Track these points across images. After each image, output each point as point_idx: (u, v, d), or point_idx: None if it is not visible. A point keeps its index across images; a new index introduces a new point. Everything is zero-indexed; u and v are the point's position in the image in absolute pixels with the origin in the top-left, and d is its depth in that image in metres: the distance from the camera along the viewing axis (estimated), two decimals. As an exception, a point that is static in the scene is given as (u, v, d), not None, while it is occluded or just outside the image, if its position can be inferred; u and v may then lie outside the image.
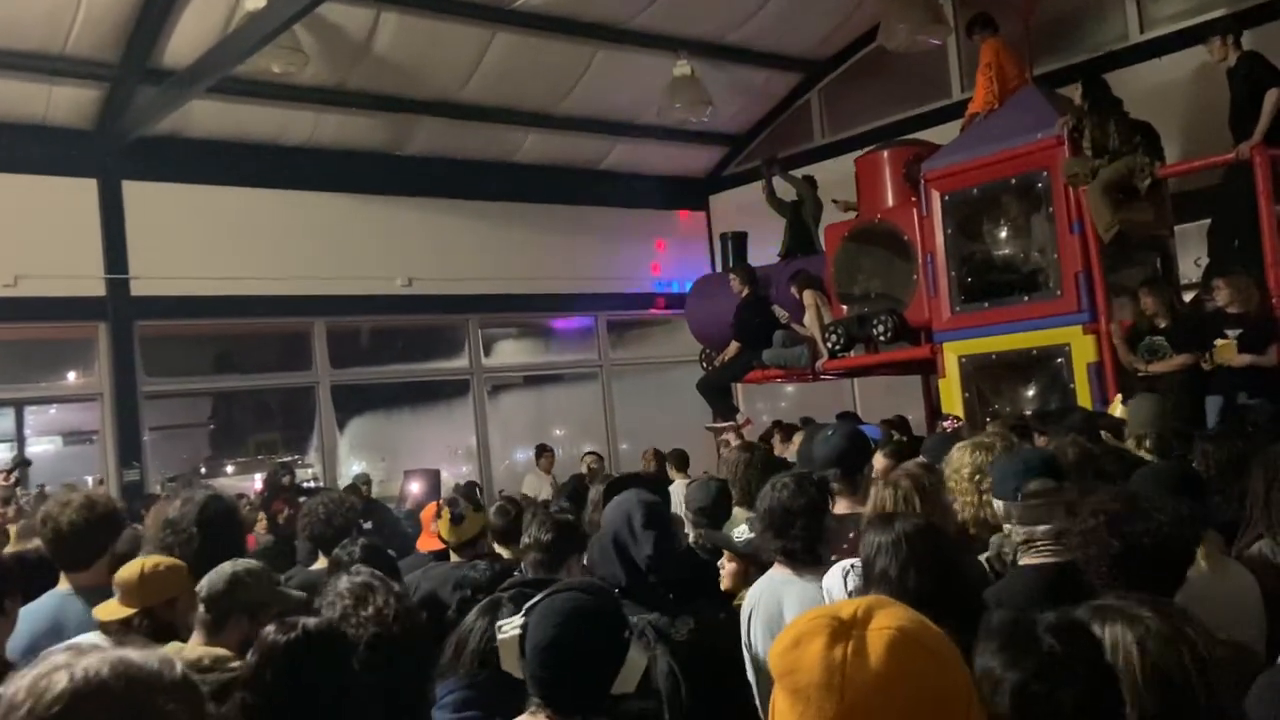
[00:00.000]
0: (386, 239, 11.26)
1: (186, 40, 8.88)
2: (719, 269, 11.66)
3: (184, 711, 1.19)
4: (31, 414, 12.40)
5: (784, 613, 2.91)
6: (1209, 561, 2.72)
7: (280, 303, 10.66)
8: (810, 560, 3.03)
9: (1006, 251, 8.19)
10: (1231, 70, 7.28)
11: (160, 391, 10.63)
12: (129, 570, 3.06)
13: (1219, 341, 6.33)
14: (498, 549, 4.39)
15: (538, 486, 10.14)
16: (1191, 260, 8.38)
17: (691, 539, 4.03)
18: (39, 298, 9.33)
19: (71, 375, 10.73)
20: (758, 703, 2.91)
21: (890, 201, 8.90)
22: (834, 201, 9.75)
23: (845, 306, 8.99)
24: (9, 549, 4.49)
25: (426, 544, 4.62)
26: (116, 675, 1.16)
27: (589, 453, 10.51)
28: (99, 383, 9.99)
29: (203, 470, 12.93)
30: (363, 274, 11.03)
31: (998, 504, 2.82)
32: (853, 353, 8.90)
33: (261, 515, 8.22)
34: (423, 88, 10.64)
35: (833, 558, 2.97)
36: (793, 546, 3.04)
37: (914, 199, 8.42)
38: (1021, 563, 2.76)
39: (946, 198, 8.11)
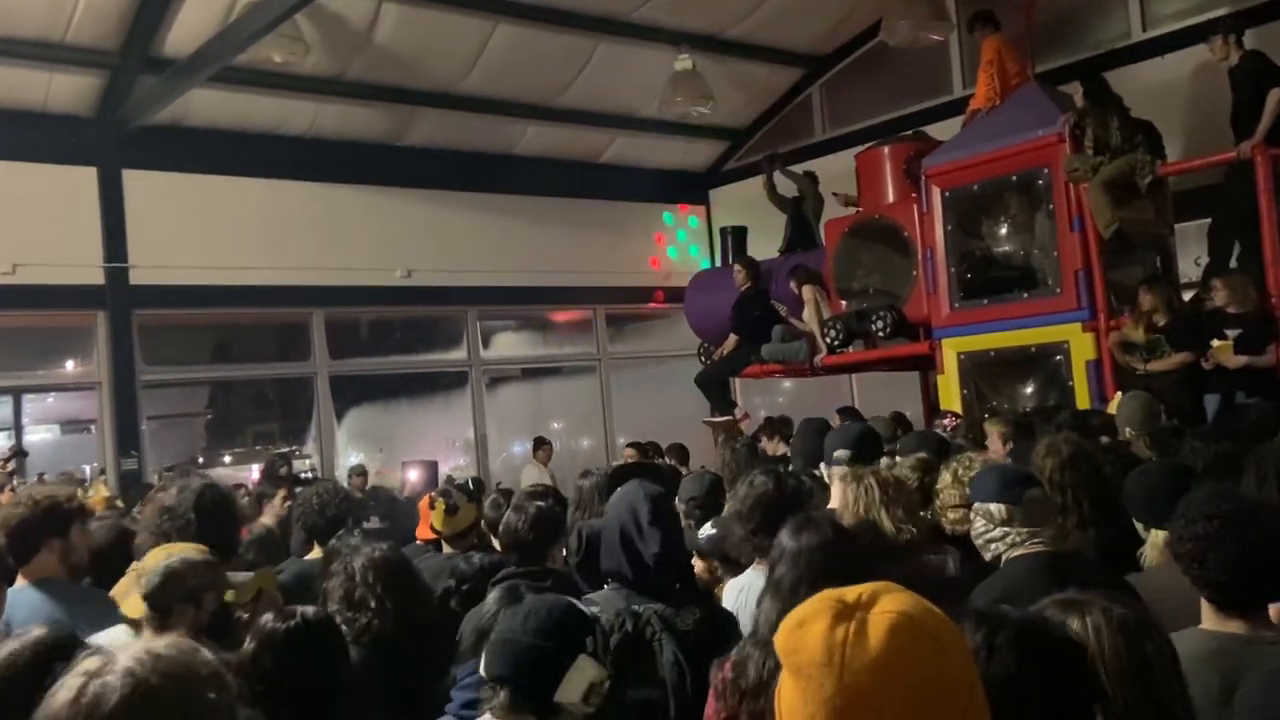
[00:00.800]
0: (386, 230, 11.25)
1: (187, 29, 8.86)
2: (719, 263, 11.66)
3: (225, 698, 1.20)
4: (29, 402, 12.40)
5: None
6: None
7: (279, 293, 10.65)
8: None
9: (1006, 248, 8.20)
10: (1234, 69, 7.28)
11: (158, 381, 10.62)
12: (151, 564, 3.07)
13: (1216, 341, 6.33)
14: (494, 541, 4.41)
15: (536, 479, 10.14)
16: (1191, 259, 8.39)
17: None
18: (37, 286, 9.32)
19: (69, 364, 10.72)
20: None
21: (891, 197, 8.90)
22: (834, 195, 9.75)
23: (844, 302, 9.00)
24: None
25: (424, 534, 4.63)
26: (163, 675, 1.16)
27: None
28: (97, 371, 9.98)
29: (200, 460, 12.93)
30: (362, 265, 11.01)
31: (993, 507, 2.88)
32: (851, 348, 8.90)
33: (261, 505, 8.19)
34: (423, 79, 10.62)
35: None
36: (766, 544, 3.05)
37: (914, 195, 8.41)
38: (1013, 555, 2.84)
39: (947, 194, 8.11)
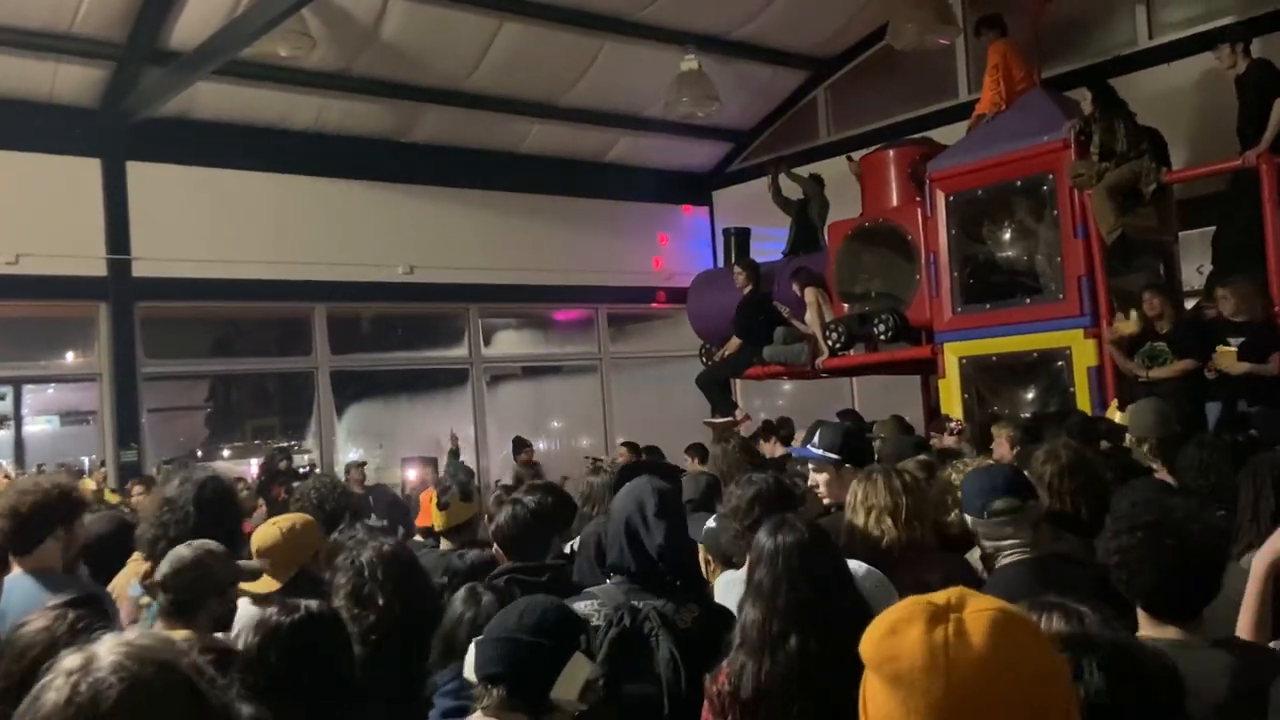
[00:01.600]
0: (389, 226, 11.25)
1: (194, 22, 8.86)
2: (721, 265, 11.65)
3: (212, 685, 1.18)
4: (29, 393, 12.42)
5: None
6: None
7: (281, 287, 10.65)
8: None
9: (1010, 253, 8.19)
10: (1240, 77, 7.27)
11: (160, 373, 10.63)
12: (267, 539, 3.09)
13: (1219, 349, 6.33)
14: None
15: (519, 482, 10.05)
16: (1194, 267, 8.38)
17: None
18: (40, 276, 9.32)
19: (70, 355, 10.72)
20: None
21: (895, 201, 8.89)
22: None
23: (846, 305, 8.99)
24: None
25: (424, 521, 4.66)
26: (155, 665, 1.14)
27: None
28: (98, 363, 9.98)
29: (198, 453, 12.94)
30: (364, 260, 11.01)
31: (966, 518, 2.97)
32: (853, 351, 8.90)
33: (260, 501, 8.22)
34: (429, 75, 10.62)
35: None
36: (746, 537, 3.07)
37: (918, 199, 8.41)
38: (1004, 563, 2.91)
39: (951, 198, 8.11)
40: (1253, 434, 4.92)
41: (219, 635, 2.73)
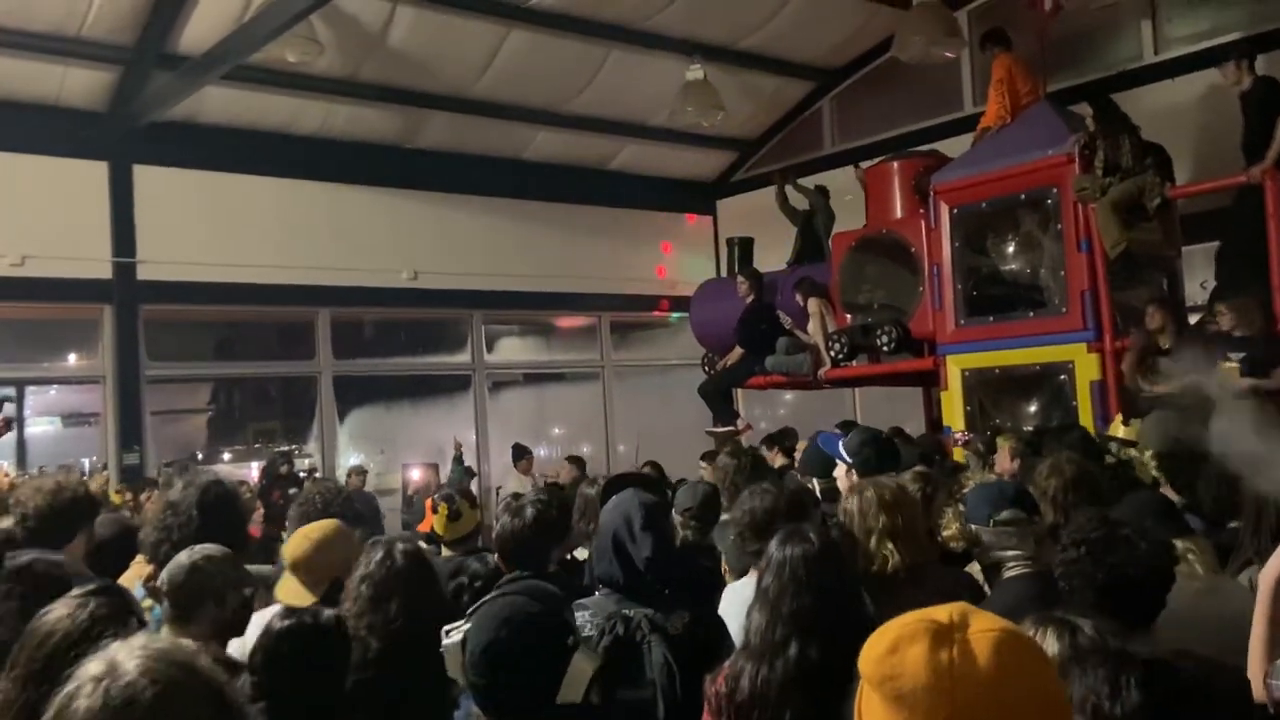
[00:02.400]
0: (394, 232, 11.28)
1: (202, 26, 8.89)
2: (725, 274, 11.66)
3: (230, 686, 1.20)
4: (31, 395, 12.42)
5: None
6: (1202, 580, 2.82)
7: (285, 291, 10.67)
8: None
9: (1013, 266, 8.20)
10: (1245, 94, 7.29)
11: (163, 376, 10.64)
12: (298, 550, 3.06)
13: (1220, 365, 6.32)
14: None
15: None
16: (1197, 282, 8.39)
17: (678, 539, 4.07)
18: (45, 278, 9.34)
19: (74, 357, 10.74)
20: None
21: (899, 212, 8.91)
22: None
23: (849, 315, 9.00)
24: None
25: (426, 527, 4.66)
26: (180, 668, 1.16)
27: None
28: (102, 365, 10.00)
29: (199, 456, 12.95)
30: (368, 266, 11.04)
31: (970, 527, 3.00)
32: (855, 362, 8.90)
33: (259, 504, 8.21)
34: (435, 82, 10.65)
35: None
36: (749, 549, 3.09)
37: (923, 211, 8.43)
38: (1008, 576, 2.93)
39: (955, 210, 8.12)
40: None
41: (233, 641, 2.73)
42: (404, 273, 11.34)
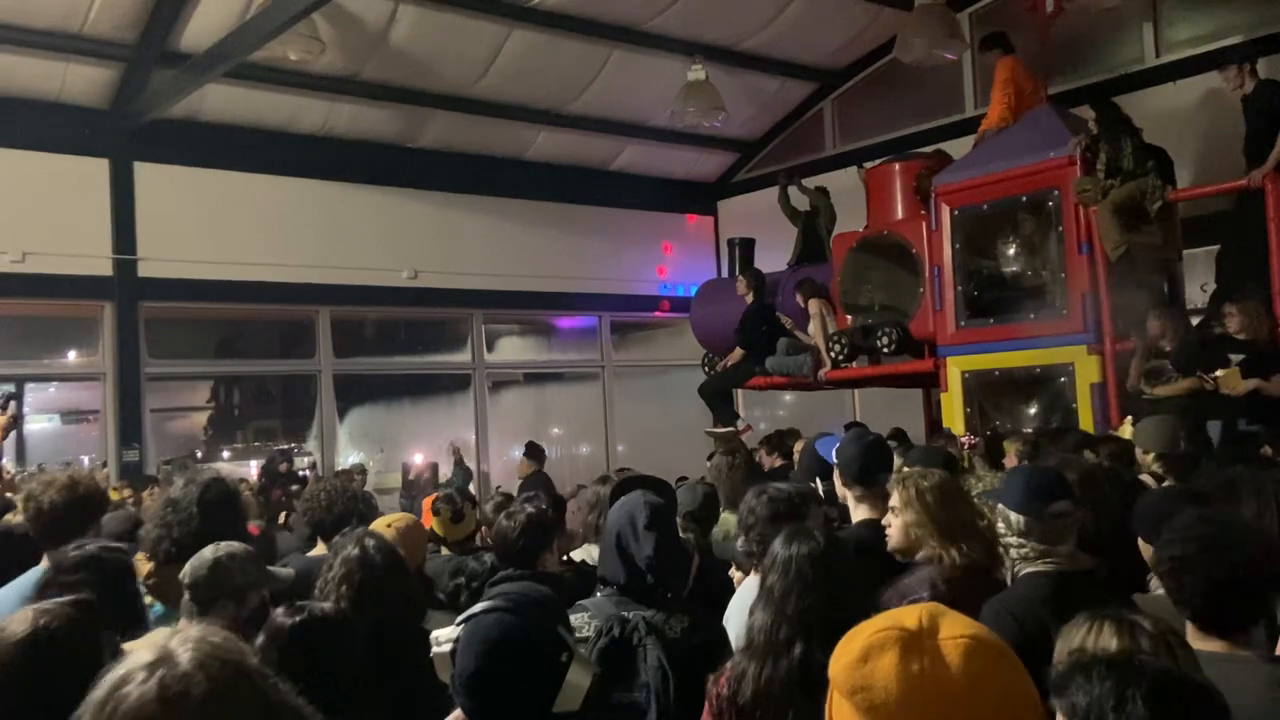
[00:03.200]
0: (394, 231, 11.28)
1: (204, 24, 8.89)
2: (725, 274, 11.66)
3: (272, 679, 1.20)
4: (30, 392, 12.41)
5: None
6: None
7: (286, 290, 10.67)
8: None
9: (1014, 268, 8.20)
10: (1248, 97, 7.29)
11: (163, 373, 10.64)
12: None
13: (1220, 371, 6.32)
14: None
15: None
16: (1198, 285, 8.39)
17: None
18: (46, 275, 9.34)
19: (74, 354, 10.74)
20: None
21: (900, 213, 8.91)
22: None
23: (850, 316, 9.00)
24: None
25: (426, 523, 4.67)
26: (226, 662, 1.16)
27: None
28: (102, 362, 10.00)
29: (198, 454, 12.94)
30: (369, 265, 11.04)
31: (1013, 516, 2.80)
32: (855, 363, 8.90)
33: (261, 500, 8.21)
34: (437, 81, 10.65)
35: None
36: (752, 549, 3.08)
37: (924, 212, 8.43)
38: (1027, 571, 2.81)
39: (956, 212, 8.12)
40: (1264, 452, 4.92)
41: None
42: (405, 272, 11.34)
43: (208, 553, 2.81)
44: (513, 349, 13.84)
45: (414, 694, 2.56)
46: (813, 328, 9.06)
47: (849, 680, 1.14)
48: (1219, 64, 7.66)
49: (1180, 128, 8.50)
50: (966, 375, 7.97)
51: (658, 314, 13.38)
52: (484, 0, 9.84)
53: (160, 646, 1.16)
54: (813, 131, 12.83)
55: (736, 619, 3.09)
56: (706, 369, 10.20)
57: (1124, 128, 7.36)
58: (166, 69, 9.26)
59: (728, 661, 2.43)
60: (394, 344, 12.79)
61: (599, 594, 2.86)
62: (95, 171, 9.74)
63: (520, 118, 11.54)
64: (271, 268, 10.43)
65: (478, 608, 2.01)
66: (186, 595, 2.77)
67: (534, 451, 9.69)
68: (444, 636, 2.03)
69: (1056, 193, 7.57)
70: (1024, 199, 7.85)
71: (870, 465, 3.78)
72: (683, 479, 5.62)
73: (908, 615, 1.16)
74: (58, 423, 13.24)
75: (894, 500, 3.23)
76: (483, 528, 4.91)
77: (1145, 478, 4.54)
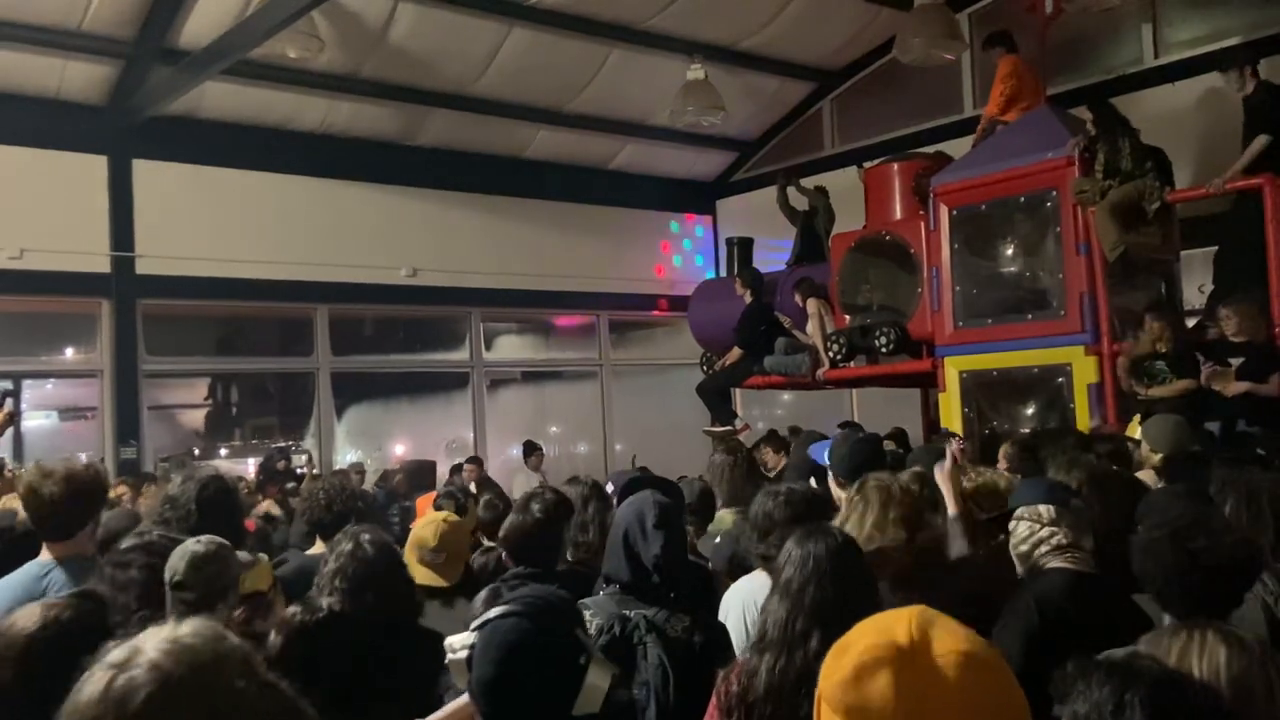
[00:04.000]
0: (393, 229, 11.27)
1: (203, 21, 8.89)
2: (724, 273, 11.68)
3: (253, 684, 1.18)
4: (27, 388, 12.40)
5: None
6: None
7: (284, 287, 10.66)
8: None
9: (1012, 269, 8.20)
10: (1248, 99, 7.30)
11: (161, 371, 10.63)
12: (429, 535, 3.20)
13: (1218, 369, 6.34)
14: (485, 542, 4.43)
15: (528, 486, 10.10)
16: (1195, 286, 8.40)
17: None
18: (43, 271, 9.33)
19: (71, 351, 10.73)
20: None
21: (898, 213, 8.92)
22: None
23: (848, 316, 9.00)
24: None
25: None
26: (189, 667, 1.13)
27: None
28: (100, 359, 9.99)
29: (196, 452, 12.93)
30: (368, 263, 11.04)
31: (1042, 508, 2.88)
32: (854, 363, 8.91)
33: (260, 497, 8.21)
34: (436, 79, 10.65)
35: None
36: (771, 553, 3.07)
37: (922, 212, 8.44)
38: (1052, 565, 2.85)
39: (955, 212, 8.13)
40: (1260, 454, 4.93)
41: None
42: (403, 270, 11.34)
43: (199, 547, 2.70)
44: (511, 347, 13.84)
45: (410, 688, 2.56)
46: (811, 327, 9.07)
47: (843, 699, 1.13)
48: (1217, 65, 7.67)
49: (1178, 128, 8.51)
50: (964, 375, 7.97)
51: (655, 313, 13.38)
52: (483, -1, 9.86)
53: (134, 644, 1.15)
54: (812, 131, 12.84)
55: (731, 620, 3.10)
56: (705, 368, 10.21)
57: (1122, 128, 7.37)
58: (165, 66, 9.26)
59: (735, 659, 2.43)
60: (392, 342, 12.78)
61: (602, 592, 2.87)
62: (93, 168, 9.73)
63: (519, 116, 11.53)
64: (270, 265, 10.42)
65: (493, 613, 1.99)
66: (187, 594, 2.70)
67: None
68: (459, 643, 2.01)
69: (1055, 193, 7.58)
70: (1022, 199, 7.86)
71: (862, 463, 3.78)
72: (681, 478, 5.62)
73: (898, 627, 1.14)
74: (55, 419, 13.22)
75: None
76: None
77: (1143, 476, 4.55)
